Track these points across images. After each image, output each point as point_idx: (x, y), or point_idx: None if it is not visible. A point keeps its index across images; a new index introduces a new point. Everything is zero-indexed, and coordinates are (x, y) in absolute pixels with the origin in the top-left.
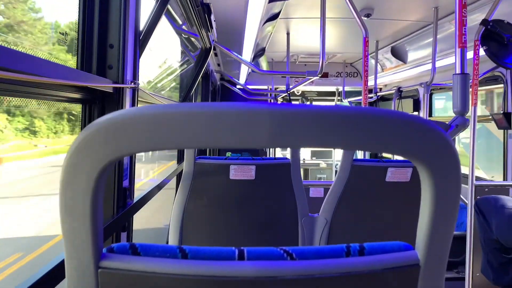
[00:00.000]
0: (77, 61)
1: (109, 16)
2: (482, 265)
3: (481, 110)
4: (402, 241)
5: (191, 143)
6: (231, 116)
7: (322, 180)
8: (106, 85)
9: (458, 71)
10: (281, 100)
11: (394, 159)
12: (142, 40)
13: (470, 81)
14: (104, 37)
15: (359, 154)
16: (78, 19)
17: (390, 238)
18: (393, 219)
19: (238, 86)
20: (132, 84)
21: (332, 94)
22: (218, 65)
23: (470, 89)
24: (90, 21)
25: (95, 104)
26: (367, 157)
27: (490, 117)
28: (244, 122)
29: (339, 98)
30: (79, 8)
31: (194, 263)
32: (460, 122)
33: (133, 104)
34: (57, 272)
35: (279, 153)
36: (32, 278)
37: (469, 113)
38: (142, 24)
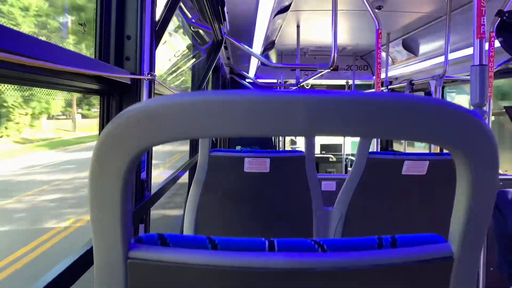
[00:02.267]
0: (95, 52)
1: (126, 7)
2: (497, 260)
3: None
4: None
5: (225, 131)
6: (268, 103)
7: (332, 173)
8: (124, 76)
9: (476, 62)
10: None
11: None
12: (158, 31)
13: None
14: (121, 28)
15: (371, 147)
16: (96, 10)
17: (407, 232)
18: (410, 213)
19: (247, 80)
20: (149, 75)
21: (342, 87)
22: (228, 58)
23: None
24: (107, 12)
25: (113, 95)
26: (378, 149)
27: (504, 110)
28: (281, 110)
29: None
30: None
31: (225, 254)
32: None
33: (150, 96)
34: (84, 260)
35: (288, 146)
36: (60, 266)
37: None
38: (157, 15)
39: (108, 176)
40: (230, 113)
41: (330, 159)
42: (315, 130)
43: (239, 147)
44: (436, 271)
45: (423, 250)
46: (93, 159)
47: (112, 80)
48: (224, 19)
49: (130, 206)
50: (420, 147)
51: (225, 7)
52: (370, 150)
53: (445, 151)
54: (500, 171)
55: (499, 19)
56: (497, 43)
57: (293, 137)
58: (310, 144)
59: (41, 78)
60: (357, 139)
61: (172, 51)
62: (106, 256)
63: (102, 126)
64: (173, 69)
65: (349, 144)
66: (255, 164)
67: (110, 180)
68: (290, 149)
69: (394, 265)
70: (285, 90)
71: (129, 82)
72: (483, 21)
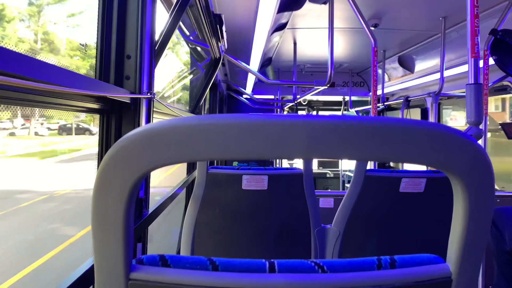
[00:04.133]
0: (95, 71)
1: (127, 27)
2: (495, 277)
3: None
4: (417, 252)
5: (227, 154)
6: (269, 127)
7: (329, 190)
8: (124, 95)
9: (471, 81)
10: (288, 109)
11: (404, 169)
12: (157, 50)
13: None
14: (121, 48)
15: (369, 164)
16: (97, 30)
17: (405, 250)
18: (407, 230)
19: (244, 96)
20: (149, 94)
21: (338, 103)
22: (225, 75)
23: None
24: (108, 32)
25: (113, 114)
26: (376, 166)
27: (500, 127)
28: (282, 134)
29: (345, 107)
30: (98, 20)
31: (225, 275)
32: (474, 132)
33: (149, 114)
34: (84, 281)
35: (285, 163)
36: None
37: None
38: (157, 35)
39: (112, 197)
40: (233, 136)
41: (328, 175)
42: (313, 154)
43: (236, 163)
44: None
45: (422, 271)
46: (96, 180)
47: (112, 99)
48: (222, 37)
49: (132, 227)
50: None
51: (223, 26)
52: (367, 168)
53: None
54: (497, 187)
55: (493, 37)
56: (491, 61)
57: None
58: (308, 162)
59: (41, 99)
60: None
61: (171, 68)
62: (108, 277)
63: (101, 144)
64: (171, 84)
65: (346, 161)
66: (253, 182)
67: (113, 202)
68: (288, 165)
69: (393, 286)
70: (286, 115)
71: (128, 101)
72: (477, 41)
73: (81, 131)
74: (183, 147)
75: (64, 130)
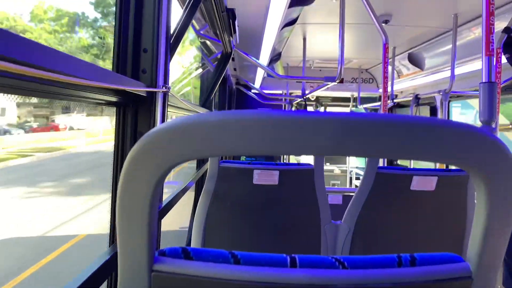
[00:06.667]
0: (112, 64)
1: (143, 21)
2: (504, 277)
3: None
4: (427, 251)
5: (250, 150)
6: (295, 124)
7: (337, 186)
8: (140, 89)
9: (485, 79)
10: (296, 105)
11: (413, 167)
12: (172, 44)
13: None
14: (138, 42)
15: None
16: (115, 24)
17: (415, 248)
18: (418, 229)
19: (253, 91)
20: (164, 88)
21: (346, 100)
22: (235, 69)
23: None
24: (125, 26)
25: (129, 107)
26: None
27: (511, 126)
28: (307, 130)
29: (354, 104)
30: (115, 14)
31: (247, 269)
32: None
33: (164, 108)
34: (105, 269)
35: (293, 158)
36: (81, 276)
37: None
38: (172, 29)
39: (138, 191)
40: (257, 132)
41: (335, 172)
42: (338, 151)
43: (244, 158)
44: None
45: (442, 270)
46: (122, 174)
47: (128, 92)
48: (234, 32)
49: (156, 219)
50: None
51: (236, 21)
52: (378, 165)
53: (450, 166)
54: None
55: (506, 35)
56: (503, 59)
57: None
58: (319, 158)
59: (61, 91)
60: None
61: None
62: (132, 268)
63: (118, 136)
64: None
65: (354, 157)
66: (264, 176)
67: (140, 195)
68: (295, 161)
69: (413, 283)
70: (305, 111)
71: (144, 94)
72: (492, 39)
73: None
74: (208, 142)
75: None
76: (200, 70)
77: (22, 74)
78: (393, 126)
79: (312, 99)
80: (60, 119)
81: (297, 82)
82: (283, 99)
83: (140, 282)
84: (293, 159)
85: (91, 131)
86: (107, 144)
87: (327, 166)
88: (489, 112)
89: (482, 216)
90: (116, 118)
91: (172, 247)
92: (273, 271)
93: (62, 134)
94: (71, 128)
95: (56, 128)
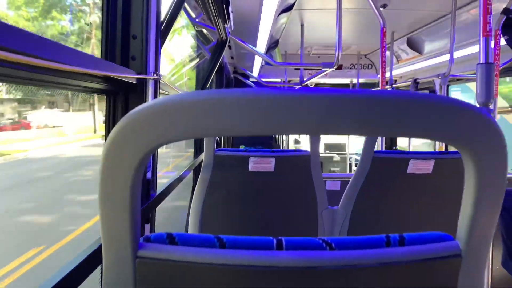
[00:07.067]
0: (101, 52)
1: (132, 7)
2: (502, 258)
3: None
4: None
5: (236, 130)
6: (279, 101)
7: (336, 173)
8: (130, 76)
9: (482, 60)
10: None
11: (411, 150)
12: (163, 31)
13: None
14: (127, 28)
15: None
16: (102, 10)
17: (413, 231)
18: (415, 212)
19: (251, 79)
20: (155, 75)
21: (345, 86)
22: (232, 57)
23: None
24: (113, 12)
25: (119, 95)
26: (383, 147)
27: (510, 108)
28: (292, 108)
29: None
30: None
31: (233, 252)
32: None
33: (155, 96)
34: (92, 260)
35: (292, 145)
36: (67, 267)
37: None
38: (162, 15)
39: (118, 175)
40: (238, 111)
41: (334, 159)
42: (325, 129)
43: (243, 146)
44: (444, 269)
45: (431, 248)
46: (103, 158)
47: (118, 79)
48: (229, 18)
49: (139, 205)
50: (424, 143)
51: (229, 6)
52: (375, 149)
53: (449, 149)
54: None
55: (505, 17)
56: (502, 41)
57: (297, 137)
58: (315, 144)
59: (48, 78)
60: (362, 138)
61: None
62: (115, 255)
63: (108, 125)
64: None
65: (353, 143)
66: (260, 164)
67: (120, 179)
68: (294, 147)
69: (402, 263)
70: (294, 89)
71: (135, 82)
72: (489, 19)
73: None
74: (191, 122)
75: None
76: (197, 60)
77: (5, 60)
78: (384, 101)
79: (311, 86)
80: (35, 115)
81: (295, 69)
82: (282, 87)
83: (124, 268)
84: (292, 146)
85: (65, 129)
86: (76, 144)
87: (326, 154)
88: (487, 94)
89: (471, 193)
90: (106, 107)
91: (158, 232)
92: (258, 254)
93: (25, 134)
94: (46, 126)
95: (27, 126)
